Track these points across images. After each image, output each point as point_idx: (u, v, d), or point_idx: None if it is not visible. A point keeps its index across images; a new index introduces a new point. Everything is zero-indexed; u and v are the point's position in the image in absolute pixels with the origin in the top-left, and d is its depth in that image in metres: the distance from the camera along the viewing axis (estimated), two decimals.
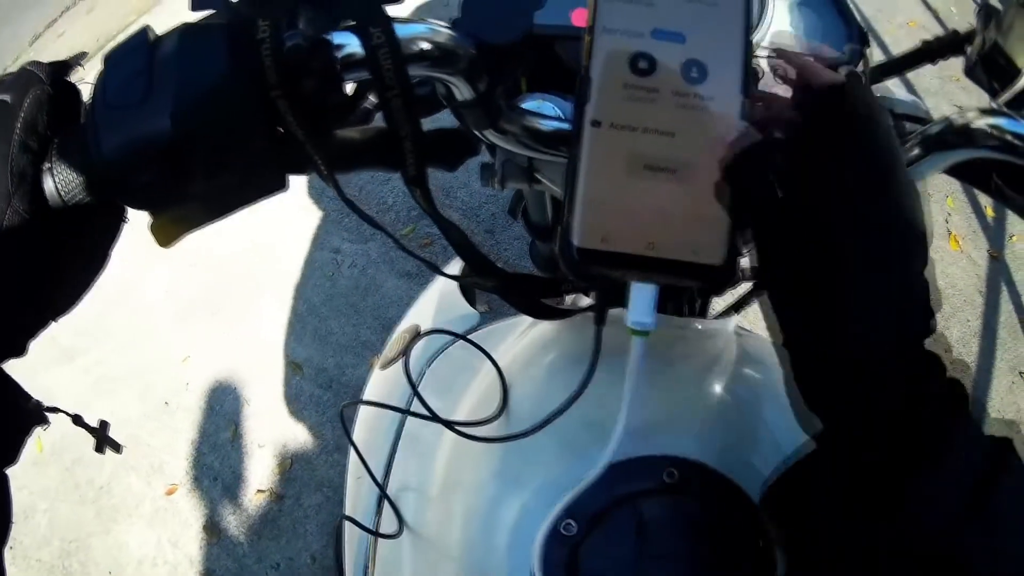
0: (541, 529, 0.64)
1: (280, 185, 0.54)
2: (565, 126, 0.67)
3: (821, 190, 0.48)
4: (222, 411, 2.62)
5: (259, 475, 2.49)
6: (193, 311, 2.85)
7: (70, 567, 2.39)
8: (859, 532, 0.45)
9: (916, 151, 0.68)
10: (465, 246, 0.64)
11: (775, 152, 0.51)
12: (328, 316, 2.79)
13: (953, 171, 0.70)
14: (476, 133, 0.68)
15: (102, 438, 0.76)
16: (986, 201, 3.14)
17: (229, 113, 0.48)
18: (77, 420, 0.74)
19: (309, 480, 2.45)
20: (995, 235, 3.10)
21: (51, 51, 4.05)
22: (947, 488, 0.43)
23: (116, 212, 0.54)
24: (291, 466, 2.48)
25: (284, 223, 3.01)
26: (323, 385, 2.63)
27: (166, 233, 0.53)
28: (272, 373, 2.68)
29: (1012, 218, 3.10)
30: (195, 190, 0.50)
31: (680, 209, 0.51)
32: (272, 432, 2.56)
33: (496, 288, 0.70)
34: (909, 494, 0.43)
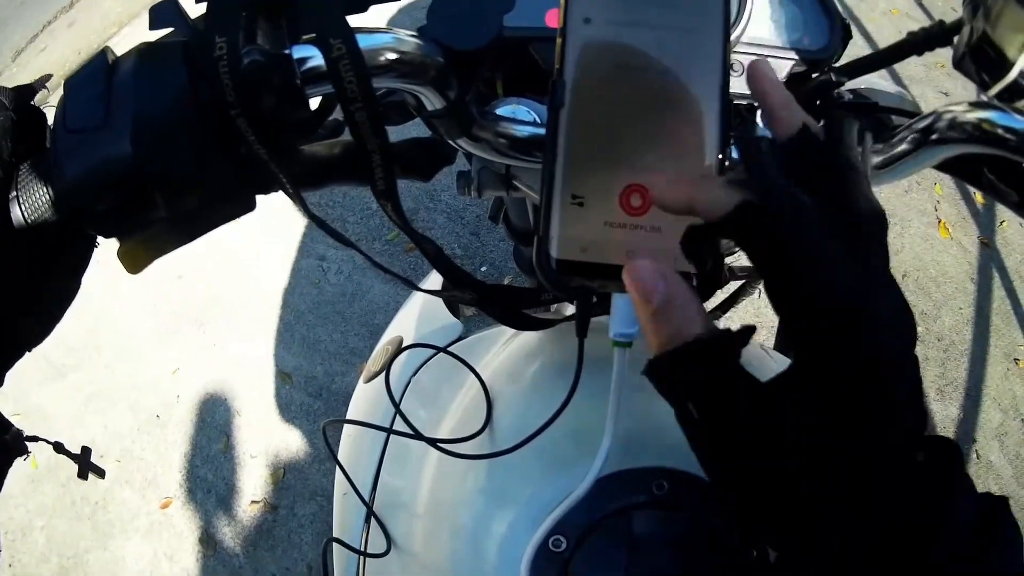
0: (529, 546, 0.62)
1: (247, 207, 0.53)
2: (541, 131, 0.65)
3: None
4: (214, 423, 2.62)
5: (252, 486, 2.48)
6: (181, 324, 2.85)
7: None
8: None
9: (904, 147, 0.66)
10: (440, 259, 0.63)
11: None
12: (315, 324, 2.79)
13: (943, 166, 0.68)
14: (450, 142, 0.66)
15: (84, 464, 0.75)
16: (975, 188, 3.12)
17: (188, 133, 0.47)
18: (59, 448, 0.73)
19: (302, 490, 2.45)
20: (985, 222, 3.12)
21: (34, 66, 4.07)
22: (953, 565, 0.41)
23: (86, 238, 0.53)
24: (284, 476, 2.48)
25: (269, 232, 3.01)
26: (313, 394, 2.63)
27: (134, 259, 0.52)
28: (262, 383, 2.67)
29: (1001, 205, 3.10)
30: (160, 214, 0.48)
31: (659, 217, 0.50)
32: (264, 442, 2.56)
33: (474, 300, 0.68)
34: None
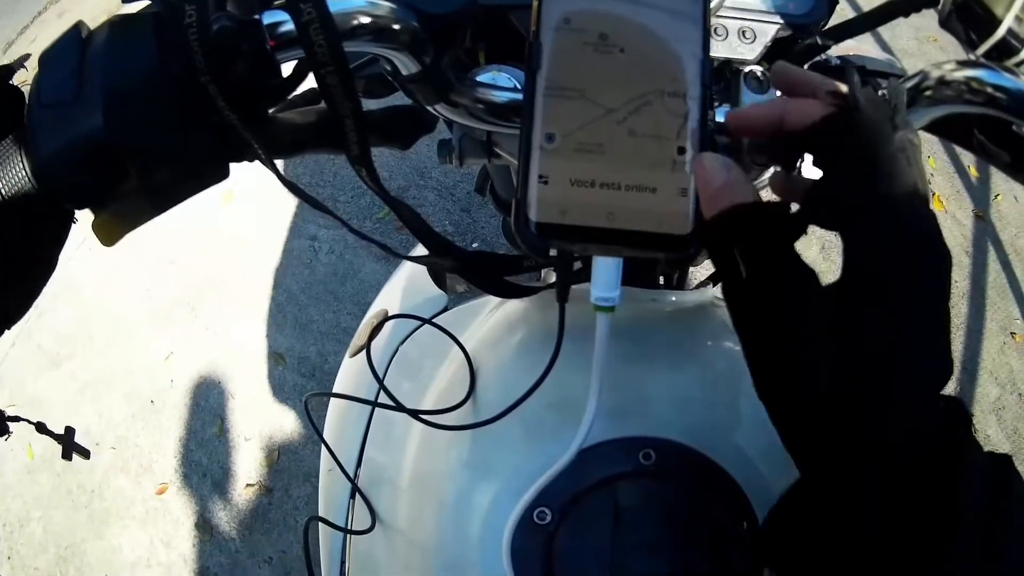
0: (511, 518, 0.62)
1: (221, 174, 0.53)
2: (520, 96, 0.64)
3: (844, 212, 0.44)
4: (207, 406, 2.62)
5: (247, 469, 2.49)
6: (173, 308, 2.84)
7: (66, 573, 2.40)
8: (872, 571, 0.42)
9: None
10: (418, 225, 0.62)
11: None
12: (308, 304, 2.78)
13: (932, 128, 0.67)
14: (428, 108, 0.65)
15: (68, 444, 0.74)
16: (969, 161, 3.16)
17: (160, 104, 0.47)
18: (41, 428, 0.73)
19: (296, 471, 2.45)
20: (979, 195, 3.11)
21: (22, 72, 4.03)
22: (964, 521, 0.40)
23: (63, 215, 0.52)
24: (278, 458, 2.48)
25: (259, 214, 3.00)
26: (306, 374, 2.63)
27: (108, 231, 0.51)
28: (255, 365, 2.67)
29: (996, 178, 3.14)
30: (134, 185, 0.48)
31: (651, 177, 0.49)
32: (258, 425, 2.56)
33: (455, 267, 0.67)
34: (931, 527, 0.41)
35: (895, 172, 0.42)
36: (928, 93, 0.62)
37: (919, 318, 0.40)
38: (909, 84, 0.63)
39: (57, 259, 0.54)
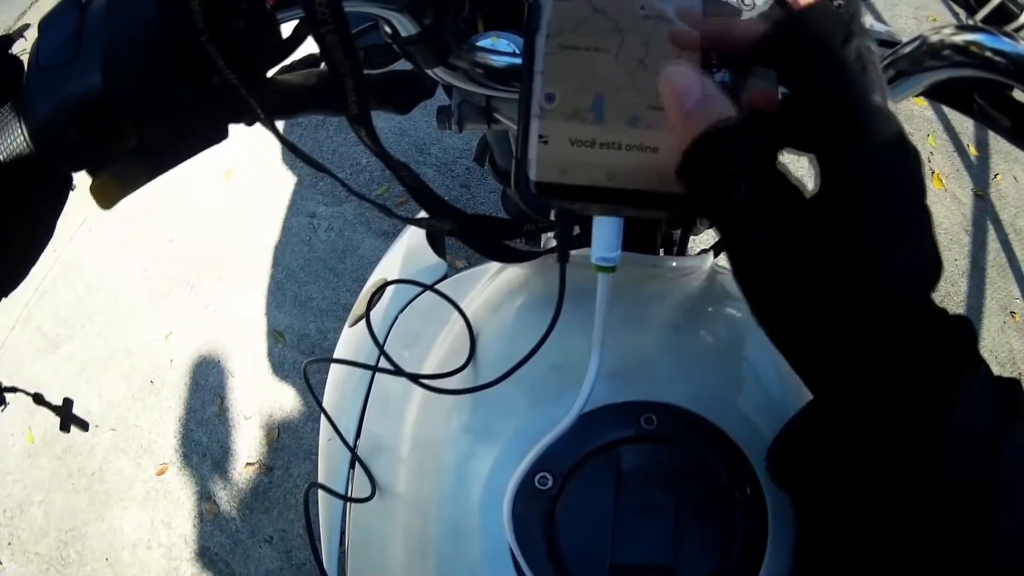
0: (511, 482, 0.61)
1: (220, 135, 0.53)
2: (519, 61, 0.64)
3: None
4: (207, 385, 2.62)
5: (247, 447, 2.49)
6: (172, 287, 2.84)
7: (68, 557, 2.40)
8: (879, 487, 0.42)
9: (891, 72, 0.64)
10: (418, 186, 0.62)
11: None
12: (307, 281, 2.78)
13: (932, 93, 0.67)
14: (427, 72, 0.65)
15: (66, 416, 0.74)
16: (968, 140, 3.16)
17: (159, 63, 0.47)
18: (38, 399, 0.73)
19: (297, 449, 2.46)
20: (978, 174, 3.11)
21: (22, 43, 4.02)
22: (969, 433, 0.41)
23: (61, 180, 0.53)
24: (278, 436, 2.49)
25: (258, 192, 3.01)
26: (306, 351, 2.64)
27: (106, 193, 0.51)
28: (254, 343, 2.67)
29: (995, 156, 3.14)
30: (131, 146, 0.49)
31: (653, 136, 0.49)
32: (258, 403, 2.56)
33: (454, 231, 0.67)
34: (932, 442, 0.41)
35: (850, 81, 0.41)
36: (927, 57, 0.61)
37: (900, 219, 0.40)
38: (909, 49, 0.63)
39: (55, 226, 0.54)
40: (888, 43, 0.72)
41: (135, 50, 0.46)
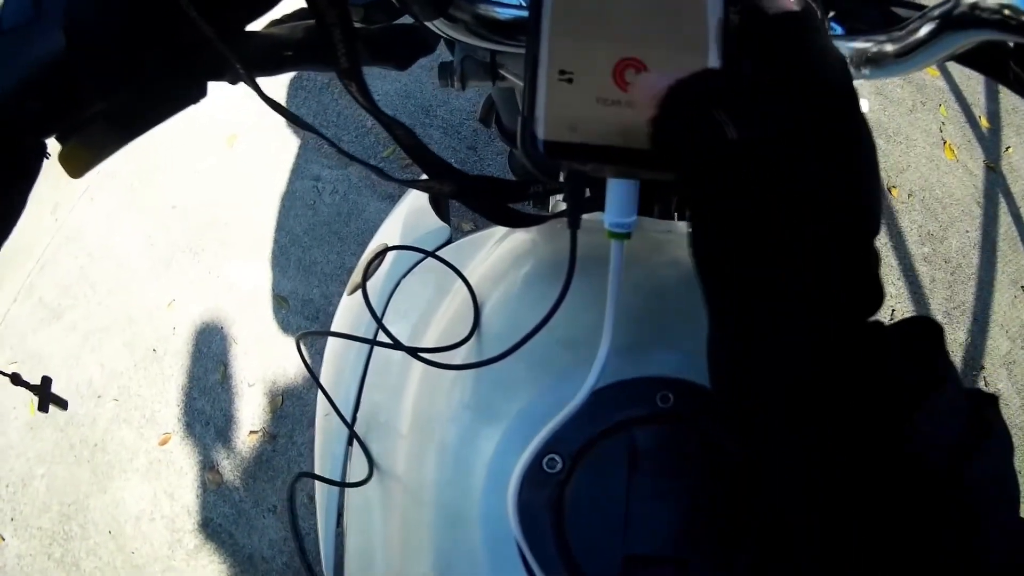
0: (518, 466, 0.57)
1: (198, 93, 0.51)
2: (524, 13, 0.61)
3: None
4: (210, 353, 2.60)
5: (251, 415, 2.48)
6: (175, 254, 2.82)
7: (70, 531, 2.39)
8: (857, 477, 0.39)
9: (921, 34, 0.61)
10: (414, 145, 0.58)
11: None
12: (311, 246, 2.76)
13: (964, 59, 0.63)
14: (427, 25, 0.62)
15: (44, 395, 0.71)
16: (980, 112, 3.15)
17: (126, 16, 0.44)
18: (16, 379, 0.70)
19: (301, 417, 2.45)
20: (990, 146, 3.10)
21: None
22: (928, 456, 0.38)
23: (34, 148, 0.49)
24: (282, 403, 2.48)
25: (261, 156, 2.98)
26: (310, 317, 2.62)
27: (75, 162, 0.50)
28: (258, 309, 2.66)
29: (1007, 129, 3.14)
30: (100, 109, 0.46)
31: (653, 92, 0.44)
32: (261, 370, 2.55)
33: (454, 193, 0.64)
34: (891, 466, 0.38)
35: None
36: (960, 19, 0.57)
37: (830, 169, 0.38)
38: (941, 10, 0.59)
39: (25, 201, 0.51)
40: (909, 4, 0.68)
41: (99, 5, 0.44)
